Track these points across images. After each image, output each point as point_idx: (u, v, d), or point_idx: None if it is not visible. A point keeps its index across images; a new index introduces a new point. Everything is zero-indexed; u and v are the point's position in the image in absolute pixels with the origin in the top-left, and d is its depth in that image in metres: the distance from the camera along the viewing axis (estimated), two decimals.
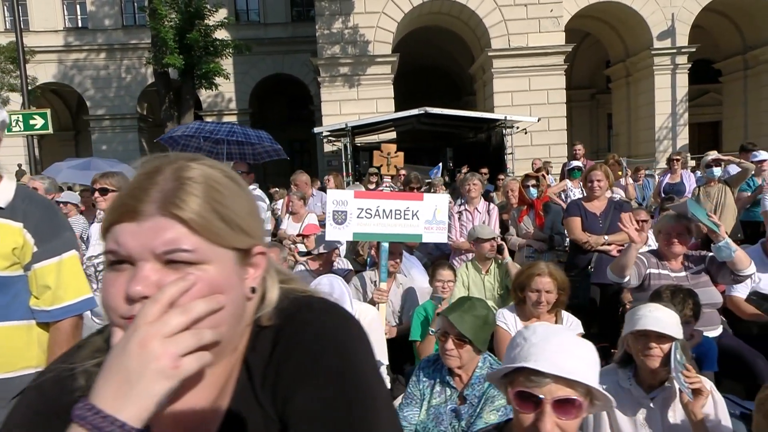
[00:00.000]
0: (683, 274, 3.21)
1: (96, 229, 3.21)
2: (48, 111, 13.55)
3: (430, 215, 3.46)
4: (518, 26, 16.69)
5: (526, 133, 14.38)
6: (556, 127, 16.91)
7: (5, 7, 22.62)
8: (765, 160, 5.89)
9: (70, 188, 9.89)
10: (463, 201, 4.68)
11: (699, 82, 21.26)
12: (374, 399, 0.69)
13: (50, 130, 13.54)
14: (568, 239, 4.37)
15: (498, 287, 3.87)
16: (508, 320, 2.82)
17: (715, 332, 3.16)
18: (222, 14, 17.13)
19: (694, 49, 17.77)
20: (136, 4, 22.07)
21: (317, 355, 0.68)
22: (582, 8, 18.00)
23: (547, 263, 2.83)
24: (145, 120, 24.38)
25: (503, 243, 4.02)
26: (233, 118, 23.70)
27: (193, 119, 16.55)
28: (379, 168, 3.59)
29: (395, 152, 3.43)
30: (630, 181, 7.06)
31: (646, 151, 18.30)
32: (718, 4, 17.85)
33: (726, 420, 1.89)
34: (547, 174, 7.89)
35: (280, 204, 7.76)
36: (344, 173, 13.25)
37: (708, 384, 1.93)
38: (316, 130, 14.23)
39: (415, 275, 4.18)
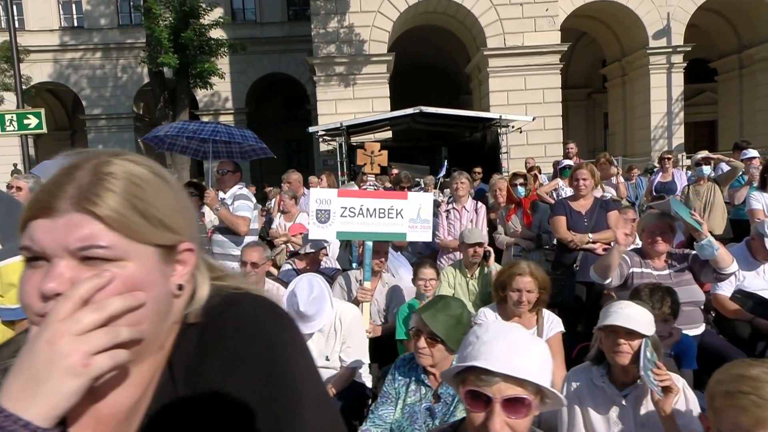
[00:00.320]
0: (666, 272, 3.21)
1: None
2: (42, 110, 13.51)
3: (414, 214, 3.46)
4: (514, 25, 16.70)
5: (521, 132, 14.39)
6: (552, 126, 16.94)
7: (0, 7, 22.56)
8: (754, 158, 5.90)
9: None
10: (451, 200, 4.68)
11: (695, 81, 21.29)
12: (299, 398, 0.67)
13: (44, 130, 13.50)
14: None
15: (483, 292, 3.86)
16: (489, 319, 2.82)
17: (697, 330, 3.16)
18: (217, 13, 17.11)
19: (689, 48, 17.79)
20: (131, 3, 22.01)
21: (241, 353, 0.66)
22: (577, 7, 18.02)
23: (529, 263, 2.83)
24: (142, 119, 24.35)
25: (490, 250, 4.01)
26: (230, 118, 23.68)
27: (189, 118, 16.55)
28: (362, 166, 3.61)
29: (379, 151, 3.45)
30: (621, 179, 7.05)
31: (642, 150, 18.32)
32: (713, 3, 17.87)
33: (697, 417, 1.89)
34: (539, 173, 7.89)
35: (273, 203, 7.76)
36: (339, 172, 13.25)
37: (680, 382, 1.93)
38: (311, 129, 14.22)
39: (403, 274, 4.18)
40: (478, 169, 8.84)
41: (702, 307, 3.84)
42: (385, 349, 3.45)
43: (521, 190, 4.52)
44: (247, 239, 4.20)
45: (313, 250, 3.92)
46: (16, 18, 22.97)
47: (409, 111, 13.45)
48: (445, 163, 9.97)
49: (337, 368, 2.77)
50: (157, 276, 0.66)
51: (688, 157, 13.47)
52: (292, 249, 5.16)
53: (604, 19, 19.38)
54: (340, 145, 13.68)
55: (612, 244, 4.16)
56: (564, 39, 17.23)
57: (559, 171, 7.23)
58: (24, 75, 19.51)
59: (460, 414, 1.98)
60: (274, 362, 0.68)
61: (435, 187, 8.71)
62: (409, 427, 2.09)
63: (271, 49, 23.33)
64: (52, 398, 0.54)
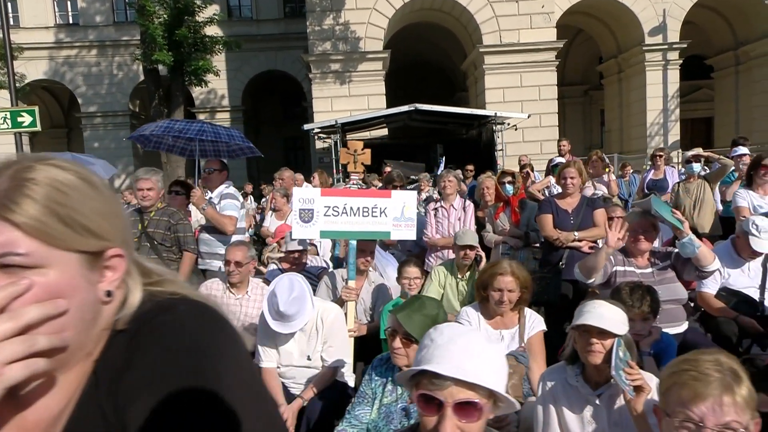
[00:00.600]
0: (649, 270, 3.22)
1: None
2: (36, 108, 13.45)
3: (398, 212, 3.46)
4: (510, 22, 16.66)
5: (516, 129, 14.37)
6: (548, 123, 16.92)
7: None
8: (744, 155, 5.90)
9: None
10: (439, 198, 4.68)
11: (691, 78, 21.28)
12: (229, 408, 0.65)
13: (38, 128, 13.44)
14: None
15: (472, 293, 3.85)
16: (471, 318, 2.83)
17: (680, 328, 3.17)
18: (212, 10, 17.03)
19: (685, 45, 17.78)
20: (126, 0, 21.92)
21: (164, 362, 0.65)
22: (573, 4, 17.97)
23: (510, 262, 2.83)
24: (138, 117, 24.28)
25: (482, 255, 4.00)
26: (226, 115, 23.64)
27: (185, 116, 16.49)
28: (345, 165, 3.59)
29: (362, 149, 3.44)
30: (613, 177, 7.05)
31: (638, 147, 18.32)
32: (709, 0, 17.85)
33: None
34: (532, 171, 7.89)
35: (267, 201, 7.75)
36: (334, 170, 13.23)
37: (653, 381, 1.93)
38: (306, 126, 14.19)
39: (390, 273, 4.18)
40: (471, 167, 8.84)
41: (692, 304, 3.87)
42: (371, 348, 3.45)
43: (509, 188, 4.52)
44: (234, 238, 4.20)
45: (293, 249, 3.91)
46: (10, 15, 22.97)
47: (405, 108, 13.43)
48: (443, 160, 9.97)
49: (319, 368, 2.77)
50: (81, 283, 0.66)
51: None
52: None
53: (600, 16, 19.35)
54: (335, 142, 13.66)
55: (599, 243, 4.19)
56: (560, 36, 17.20)
57: (551, 168, 7.24)
58: (18, 73, 19.43)
59: None
60: (200, 371, 0.66)
61: (432, 185, 8.70)
62: (386, 427, 2.09)
63: (267, 47, 23.27)
64: None
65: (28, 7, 22.89)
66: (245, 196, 13.16)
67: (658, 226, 3.26)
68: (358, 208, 3.38)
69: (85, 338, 0.68)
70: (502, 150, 13.74)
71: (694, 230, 4.68)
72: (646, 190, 7.04)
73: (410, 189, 9.32)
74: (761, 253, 3.55)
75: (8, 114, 11.61)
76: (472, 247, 3.82)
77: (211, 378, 0.67)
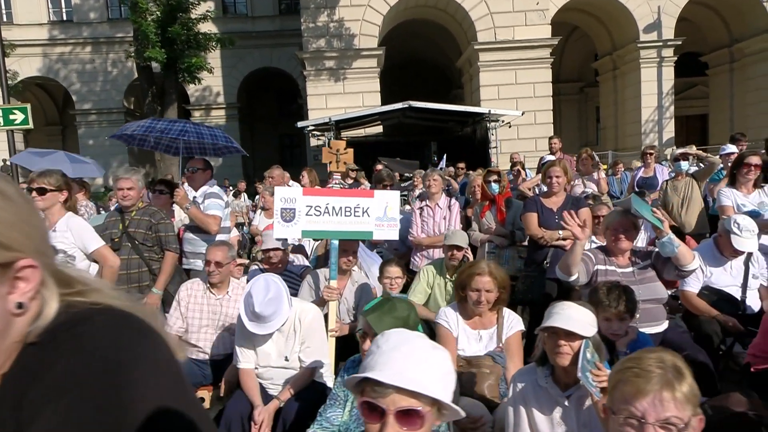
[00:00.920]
0: (630, 269, 3.22)
1: None
2: (28, 106, 13.36)
3: (380, 212, 3.45)
4: (504, 19, 16.63)
5: (510, 126, 14.37)
6: (543, 120, 16.92)
7: None
8: (732, 153, 5.91)
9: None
10: (424, 197, 4.67)
11: (687, 74, 21.29)
12: (143, 419, 0.63)
13: (30, 125, 13.35)
14: None
15: None
16: (449, 318, 2.82)
17: (660, 327, 3.17)
18: (206, 7, 16.96)
19: (680, 42, 17.77)
20: None
21: (71, 375, 0.63)
22: (568, 1, 17.96)
23: (488, 262, 2.82)
24: (132, 114, 24.20)
25: (470, 257, 3.99)
26: (221, 112, 23.58)
27: (179, 113, 16.43)
28: (329, 164, 3.58)
29: (344, 149, 3.42)
30: (602, 175, 7.05)
31: (633, 144, 18.32)
32: None
33: None
34: (523, 169, 7.88)
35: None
36: (328, 168, 13.21)
37: None
38: (300, 124, 14.16)
39: (375, 273, 4.16)
40: (462, 165, 8.83)
41: (679, 303, 3.87)
42: (353, 348, 3.44)
43: (495, 186, 4.51)
44: (219, 238, 4.19)
45: (268, 247, 3.90)
46: (3, 12, 22.85)
47: (398, 106, 13.41)
48: (444, 157, 9.95)
49: (297, 368, 2.77)
50: None
51: None
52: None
53: (595, 13, 19.33)
54: (329, 140, 13.63)
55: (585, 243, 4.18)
56: (556, 33, 17.17)
57: (541, 166, 7.22)
58: (11, 70, 19.34)
59: None
60: (111, 385, 0.65)
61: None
62: (357, 429, 2.08)
63: (262, 44, 23.20)
64: None
65: (22, 4, 22.77)
66: (238, 194, 13.14)
67: (639, 225, 3.26)
68: (341, 208, 3.38)
69: None
70: (496, 147, 13.74)
71: (676, 229, 4.69)
72: (636, 188, 7.04)
73: (404, 186, 9.35)
74: (743, 252, 3.56)
75: (0, 111, 11.55)
76: (459, 248, 3.81)
77: (125, 390, 0.66)
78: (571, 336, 1.88)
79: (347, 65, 16.79)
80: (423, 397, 1.00)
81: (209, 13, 15.19)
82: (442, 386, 1.04)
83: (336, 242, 3.39)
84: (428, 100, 14.40)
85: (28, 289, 0.69)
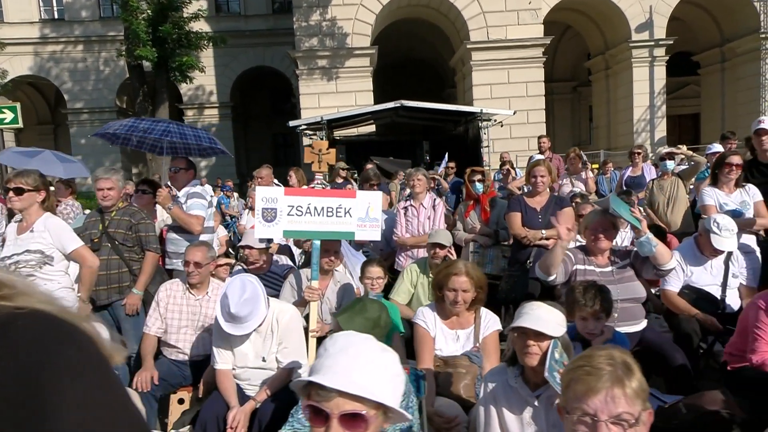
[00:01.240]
0: (609, 269, 3.23)
1: (12, 229, 3.16)
2: (18, 105, 13.28)
3: (362, 213, 3.44)
4: (497, 18, 16.65)
5: (502, 126, 14.38)
6: (535, 119, 16.96)
7: None
8: (718, 153, 5.93)
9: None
10: (408, 196, 4.67)
11: (679, 74, 21.39)
12: (65, 426, 0.64)
13: (20, 124, 13.26)
14: None
15: None
16: (427, 318, 2.82)
17: (638, 326, 3.19)
18: (198, 5, 16.89)
19: (671, 42, 17.85)
20: None
21: None
22: (561, 0, 17.99)
23: (465, 262, 2.83)
24: (125, 113, 24.07)
25: (453, 256, 3.99)
26: (214, 112, 23.51)
27: (170, 112, 16.37)
28: (310, 164, 3.55)
29: (327, 149, 3.40)
30: (591, 174, 7.08)
31: (625, 143, 18.38)
32: None
33: None
34: (512, 168, 7.90)
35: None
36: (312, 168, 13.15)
37: None
38: (292, 123, 14.11)
39: (359, 272, 4.17)
40: (452, 164, 8.84)
41: (663, 304, 3.89)
42: None
43: (479, 186, 4.52)
44: (204, 237, 4.17)
45: (244, 244, 3.89)
46: None
47: (390, 105, 13.39)
48: (446, 156, 9.93)
49: (274, 369, 2.76)
50: None
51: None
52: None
53: (588, 12, 19.39)
54: (321, 139, 13.59)
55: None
56: (549, 32, 17.21)
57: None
58: (0, 69, 19.20)
59: None
60: (28, 389, 0.64)
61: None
62: None
63: (255, 42, 23.14)
64: None
65: (12, 2, 22.59)
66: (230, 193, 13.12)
67: (617, 225, 3.28)
68: (322, 208, 3.37)
69: None
70: (488, 146, 13.75)
71: (657, 228, 4.72)
72: (624, 187, 7.07)
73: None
74: (723, 251, 3.58)
75: None
76: (442, 246, 3.81)
77: (42, 394, 0.65)
78: (540, 336, 1.88)
79: (340, 64, 16.77)
80: (367, 401, 1.00)
81: (200, 12, 15.12)
82: (388, 390, 1.04)
83: (317, 242, 3.38)
84: (421, 100, 14.39)
85: None
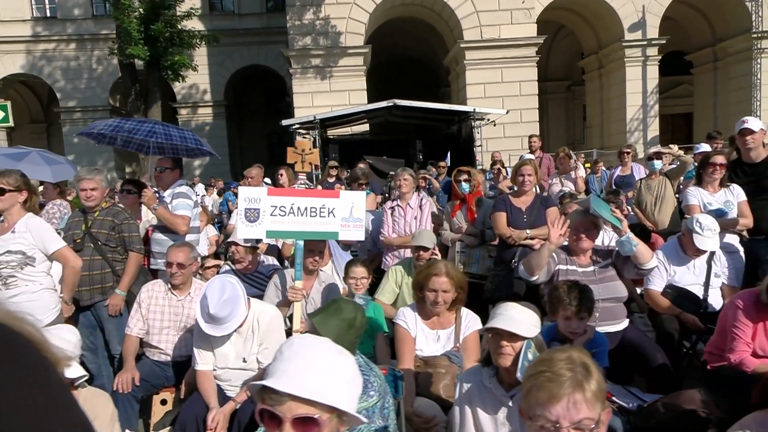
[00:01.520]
0: (591, 268, 3.25)
1: None
2: (8, 104, 13.17)
3: (346, 213, 3.44)
4: (490, 18, 16.67)
5: (495, 125, 14.40)
6: (528, 119, 16.99)
7: None
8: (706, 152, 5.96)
9: None
10: (395, 196, 4.68)
11: (672, 73, 21.48)
12: None
13: (11, 123, 13.16)
14: None
15: None
16: (408, 318, 2.83)
17: (620, 326, 3.20)
18: (191, 4, 16.82)
19: (664, 41, 17.92)
20: None
21: None
22: (554, 0, 18.03)
23: (445, 263, 2.83)
24: (118, 112, 23.95)
25: (438, 257, 3.99)
26: (208, 110, 23.43)
27: (162, 111, 16.28)
28: (293, 165, 3.56)
29: (310, 149, 3.40)
30: (580, 174, 7.11)
31: (618, 142, 18.42)
32: None
33: None
34: (503, 167, 7.92)
35: None
36: (312, 167, 13.15)
37: None
38: (285, 122, 14.08)
39: None
40: (443, 163, 8.85)
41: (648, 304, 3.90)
42: None
43: (465, 186, 4.53)
44: (189, 238, 4.16)
45: (232, 240, 3.89)
46: None
47: (383, 104, 13.39)
48: (449, 155, 9.93)
49: (255, 370, 2.76)
50: None
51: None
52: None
53: (581, 11, 19.43)
54: (314, 138, 13.57)
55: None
56: (543, 31, 17.25)
57: None
58: None
59: None
60: None
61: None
62: None
63: (250, 41, 23.06)
64: None
65: (4, 0, 22.42)
66: (220, 193, 13.09)
67: (599, 224, 3.29)
68: (306, 208, 3.36)
69: None
70: (481, 146, 13.77)
71: (643, 228, 4.73)
72: (613, 186, 7.10)
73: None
74: (705, 251, 3.60)
75: None
76: (425, 249, 3.80)
77: None
78: (513, 337, 1.89)
79: (333, 63, 16.75)
80: (320, 405, 1.00)
81: (193, 11, 15.06)
82: (343, 393, 1.04)
83: (301, 243, 3.38)
84: (417, 98, 14.39)
85: None
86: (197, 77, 21.38)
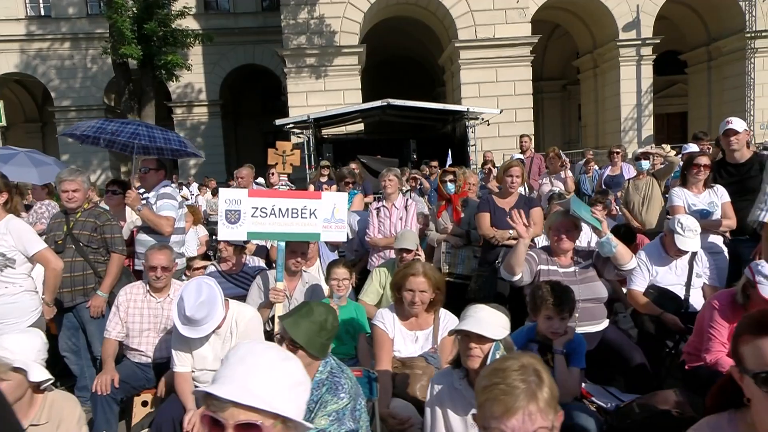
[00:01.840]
0: (572, 269, 3.26)
1: None
2: (0, 102, 13.13)
3: (328, 214, 3.44)
4: (485, 17, 16.67)
5: (489, 125, 14.42)
6: (523, 118, 17.00)
7: None
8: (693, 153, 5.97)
9: None
10: (381, 197, 4.68)
11: (667, 73, 21.52)
12: None
13: (3, 122, 13.12)
14: None
15: None
16: (386, 319, 2.83)
17: (600, 326, 3.21)
18: (185, 2, 16.77)
19: (658, 41, 17.95)
20: None
21: None
22: None
23: (423, 263, 2.84)
24: (113, 111, 23.86)
25: (420, 256, 4.00)
26: (203, 110, 23.37)
27: (156, 110, 16.23)
28: (275, 165, 3.58)
29: (291, 150, 3.41)
30: (570, 174, 7.12)
31: (613, 141, 18.39)
32: None
33: None
34: (494, 167, 7.93)
35: None
36: (307, 166, 13.15)
37: None
38: (279, 122, 14.07)
39: None
40: (435, 163, 8.86)
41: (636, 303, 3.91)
42: None
43: (451, 186, 4.53)
44: (174, 238, 4.16)
45: (223, 238, 3.87)
46: None
47: (377, 104, 13.39)
48: (450, 155, 9.94)
49: None
50: None
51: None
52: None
53: (576, 11, 19.45)
54: (309, 138, 13.57)
55: (536, 242, 4.22)
56: (538, 31, 17.25)
57: None
58: None
59: (317, 420, 1.99)
60: None
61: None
62: None
63: (245, 40, 23.01)
64: None
65: None
66: (215, 192, 13.06)
67: (580, 225, 3.30)
68: (287, 210, 3.36)
69: None
70: (475, 145, 13.79)
71: (625, 227, 4.75)
72: (603, 186, 7.12)
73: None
74: (687, 252, 3.62)
75: None
76: (408, 251, 3.80)
77: None
78: (481, 339, 1.90)
79: (328, 62, 16.73)
80: (263, 411, 1.00)
81: (186, 10, 15.02)
82: (287, 399, 1.04)
83: (282, 244, 3.38)
84: (412, 98, 14.39)
85: None
86: (192, 76, 21.33)
